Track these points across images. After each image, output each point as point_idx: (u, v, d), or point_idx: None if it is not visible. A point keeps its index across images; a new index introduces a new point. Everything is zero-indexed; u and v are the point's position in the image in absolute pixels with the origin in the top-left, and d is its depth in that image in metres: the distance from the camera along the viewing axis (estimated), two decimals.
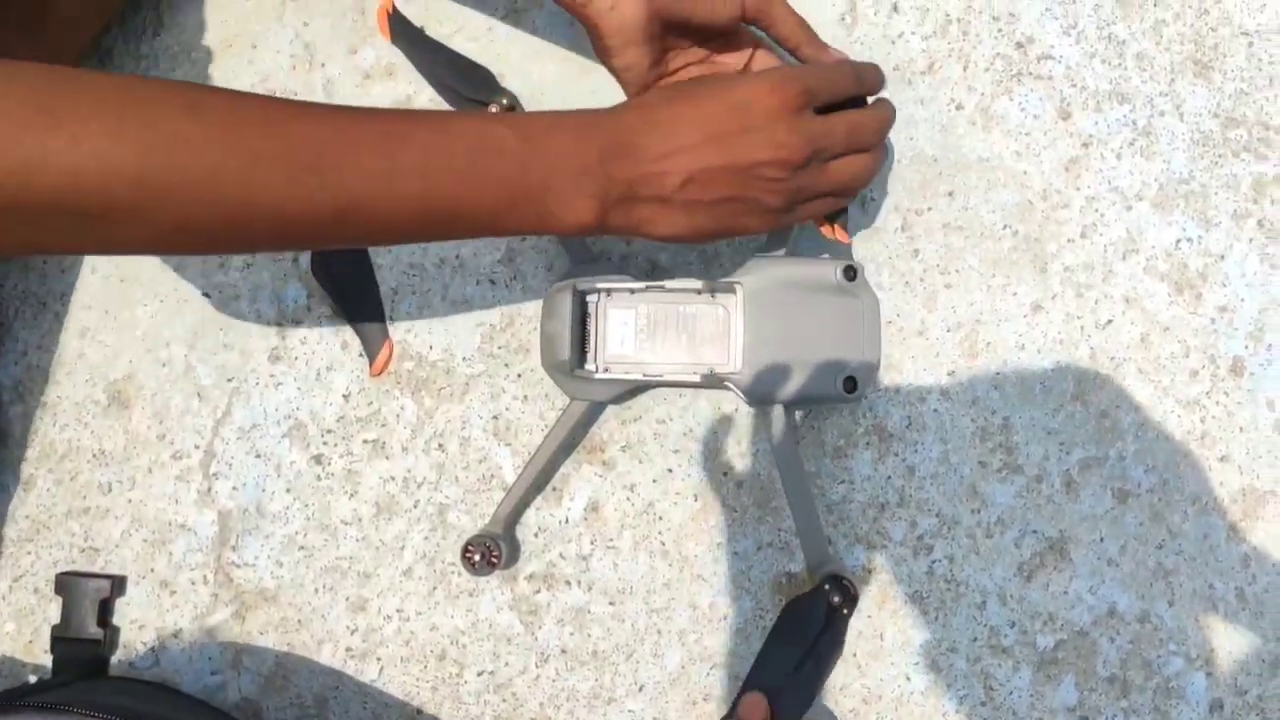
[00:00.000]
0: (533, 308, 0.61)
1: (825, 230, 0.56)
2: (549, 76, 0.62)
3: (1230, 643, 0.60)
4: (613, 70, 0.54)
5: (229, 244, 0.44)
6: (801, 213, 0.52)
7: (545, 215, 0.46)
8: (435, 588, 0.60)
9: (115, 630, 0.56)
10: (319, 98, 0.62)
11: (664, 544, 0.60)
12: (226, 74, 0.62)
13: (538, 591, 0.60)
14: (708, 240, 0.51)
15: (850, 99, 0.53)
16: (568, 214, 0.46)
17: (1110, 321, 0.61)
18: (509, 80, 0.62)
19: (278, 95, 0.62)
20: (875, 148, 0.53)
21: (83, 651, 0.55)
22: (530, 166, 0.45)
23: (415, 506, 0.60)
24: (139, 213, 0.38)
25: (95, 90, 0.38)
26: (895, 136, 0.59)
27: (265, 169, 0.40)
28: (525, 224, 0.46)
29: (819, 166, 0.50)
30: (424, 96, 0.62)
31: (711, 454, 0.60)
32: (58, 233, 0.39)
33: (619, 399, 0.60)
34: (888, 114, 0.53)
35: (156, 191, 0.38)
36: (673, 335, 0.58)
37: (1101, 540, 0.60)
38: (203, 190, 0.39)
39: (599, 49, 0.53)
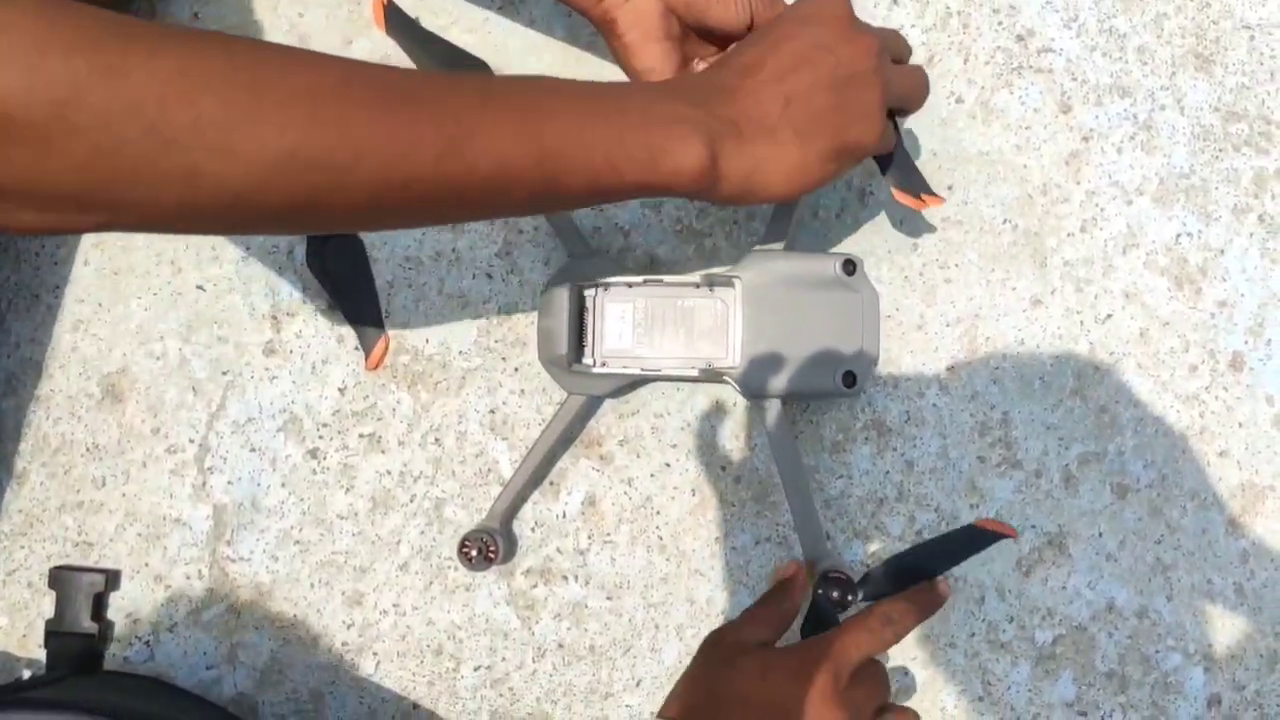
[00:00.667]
0: (530, 301, 0.60)
1: (913, 202, 0.54)
2: (546, 69, 0.62)
3: (1228, 638, 0.60)
4: (634, 75, 0.52)
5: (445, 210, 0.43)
6: (888, 120, 0.50)
7: (661, 156, 0.43)
8: (431, 582, 0.59)
9: (109, 625, 0.56)
10: None
11: (661, 538, 0.60)
12: None
13: (534, 586, 0.60)
14: (831, 175, 0.48)
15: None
16: (680, 157, 0.43)
17: (1110, 316, 0.61)
18: (506, 72, 0.61)
19: None
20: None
21: (77, 646, 0.55)
22: (641, 118, 0.43)
23: (411, 501, 0.60)
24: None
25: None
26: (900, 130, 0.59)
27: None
28: (640, 180, 0.43)
29: (891, 66, 0.49)
30: None
31: (709, 448, 0.60)
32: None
33: (616, 393, 0.60)
34: (922, 72, 0.53)
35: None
36: (670, 329, 0.58)
37: (1100, 535, 0.60)
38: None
39: (617, 51, 0.52)
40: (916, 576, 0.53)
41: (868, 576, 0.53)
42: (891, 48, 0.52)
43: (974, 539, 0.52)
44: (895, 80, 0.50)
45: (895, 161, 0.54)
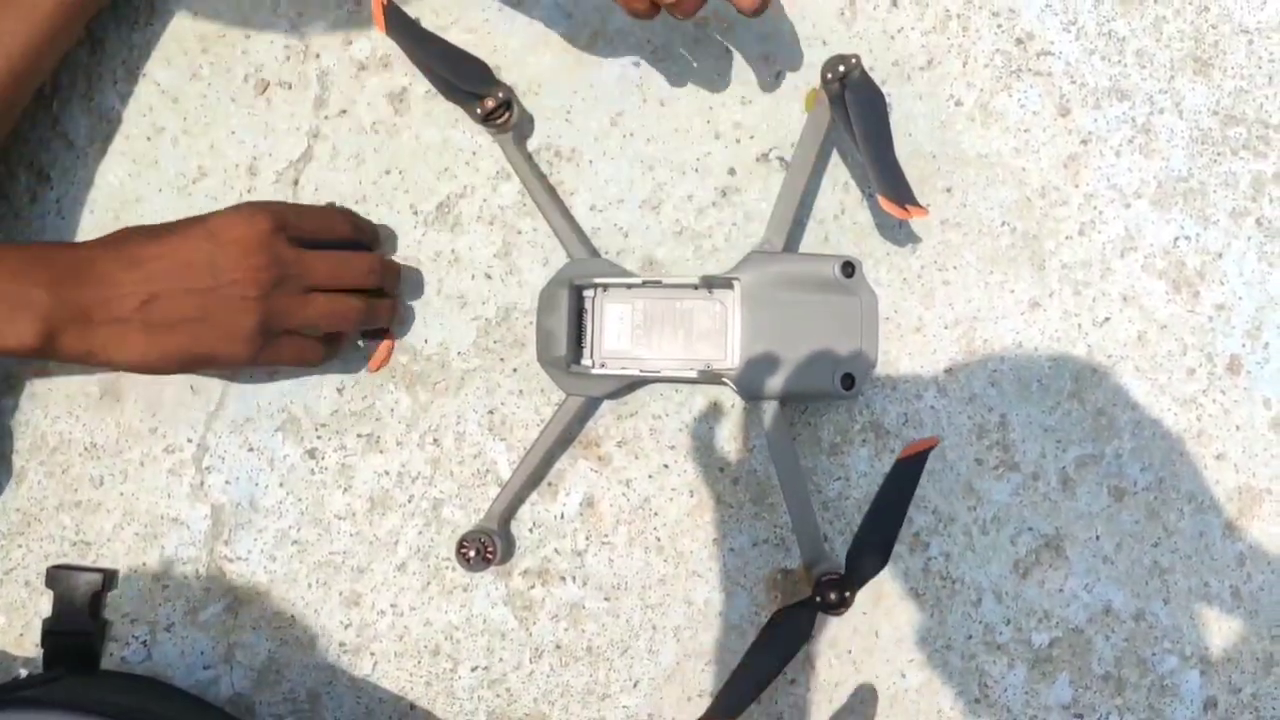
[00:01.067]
0: (529, 302, 0.60)
1: (898, 211, 0.53)
2: (546, 68, 0.62)
3: (1225, 640, 0.60)
4: None
5: None
6: (285, 346, 0.53)
7: None
8: (429, 583, 0.59)
9: (107, 624, 0.56)
10: (313, 89, 0.61)
11: (659, 540, 0.60)
12: (219, 65, 0.61)
13: (532, 587, 0.60)
14: (179, 371, 0.51)
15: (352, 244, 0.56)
16: (8, 341, 0.47)
17: (1108, 319, 0.61)
18: (506, 72, 0.61)
19: (272, 87, 0.61)
20: (387, 292, 0.55)
21: (74, 645, 0.54)
22: None
23: (409, 501, 0.60)
24: None
25: None
26: (895, 132, 0.59)
27: None
28: None
29: (299, 296, 0.51)
30: (420, 88, 0.61)
31: (707, 450, 0.60)
32: None
33: (615, 394, 0.60)
34: (376, 260, 0.55)
35: None
36: (669, 331, 0.58)
37: (1097, 538, 0.60)
38: None
39: None
40: (889, 536, 0.52)
41: (850, 564, 0.52)
42: (364, 230, 0.56)
43: (908, 472, 0.51)
44: (304, 311, 0.52)
45: (883, 170, 0.54)
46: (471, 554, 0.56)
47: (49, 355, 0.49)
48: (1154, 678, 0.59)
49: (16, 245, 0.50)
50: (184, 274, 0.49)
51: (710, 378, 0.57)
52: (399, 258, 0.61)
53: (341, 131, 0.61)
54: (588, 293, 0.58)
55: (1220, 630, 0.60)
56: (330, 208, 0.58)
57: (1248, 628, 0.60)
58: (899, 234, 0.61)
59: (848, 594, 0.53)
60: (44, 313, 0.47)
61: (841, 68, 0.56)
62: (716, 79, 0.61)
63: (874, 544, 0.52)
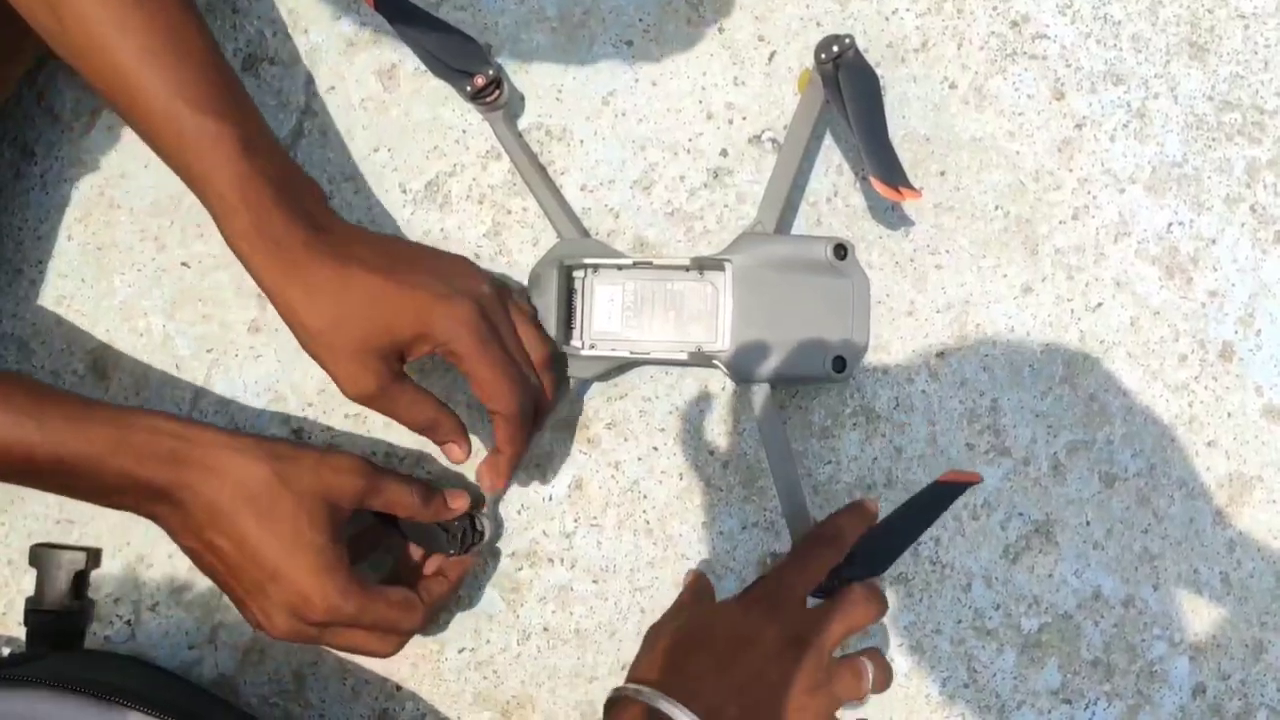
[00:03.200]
0: (519, 283, 0.60)
1: (890, 194, 0.53)
2: (537, 46, 0.61)
3: (1214, 627, 0.60)
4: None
5: None
6: (324, 637, 0.51)
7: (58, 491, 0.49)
8: None
9: (90, 603, 0.56)
10: (302, 66, 0.60)
11: (648, 522, 0.59)
12: None
13: (520, 569, 0.59)
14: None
15: None
16: (86, 499, 0.49)
17: (1100, 304, 0.60)
18: (497, 50, 0.61)
19: (261, 63, 0.60)
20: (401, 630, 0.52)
21: (57, 624, 0.54)
22: (54, 473, 0.48)
23: None
24: None
25: None
26: (888, 115, 0.59)
27: None
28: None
29: (331, 629, 0.50)
30: (410, 65, 0.61)
31: (697, 432, 0.60)
32: None
33: (604, 376, 0.59)
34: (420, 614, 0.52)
35: None
36: (660, 312, 0.58)
37: (1088, 524, 0.60)
38: None
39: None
40: (898, 546, 0.53)
41: (852, 557, 0.53)
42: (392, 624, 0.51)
43: (942, 495, 0.51)
44: (341, 637, 0.51)
45: (876, 152, 0.54)
46: (459, 535, 0.55)
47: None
48: (1143, 663, 0.59)
49: (117, 425, 0.48)
50: (231, 567, 0.49)
51: (701, 360, 0.56)
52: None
53: (330, 108, 0.60)
54: (578, 273, 0.58)
55: (1209, 616, 0.60)
56: (406, 597, 0.53)
57: (1237, 614, 0.60)
58: (892, 217, 0.60)
59: (836, 582, 0.53)
60: (120, 506, 0.49)
61: (835, 48, 0.56)
62: (709, 59, 0.61)
63: (882, 550, 0.52)
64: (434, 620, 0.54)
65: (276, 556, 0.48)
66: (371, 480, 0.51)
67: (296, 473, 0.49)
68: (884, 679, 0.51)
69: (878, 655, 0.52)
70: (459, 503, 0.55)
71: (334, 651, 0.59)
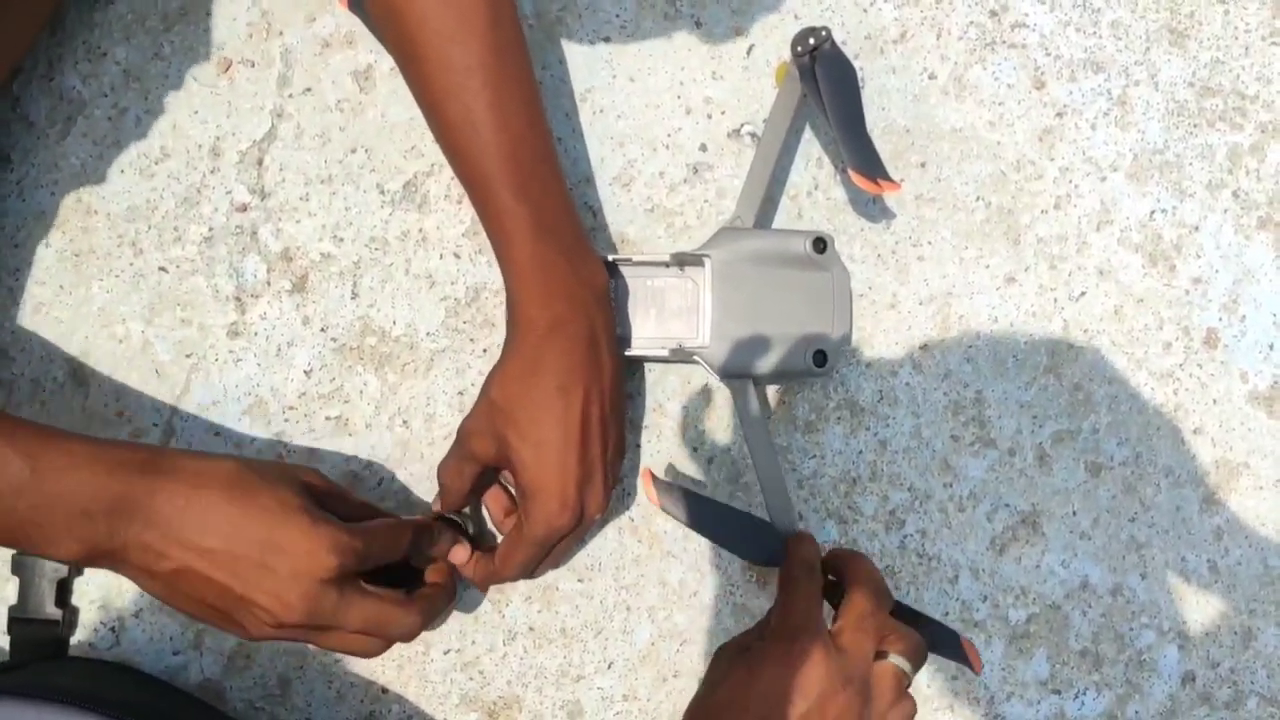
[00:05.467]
0: (498, 282, 0.59)
1: (869, 186, 0.52)
2: None
3: (1203, 615, 0.59)
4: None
5: None
6: (317, 639, 0.50)
7: (29, 542, 0.46)
8: None
9: (74, 611, 0.55)
10: (277, 67, 0.60)
11: (633, 520, 0.59)
12: (181, 44, 0.60)
13: None
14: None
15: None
16: (50, 548, 0.46)
17: (1084, 293, 0.60)
18: None
19: (235, 65, 0.60)
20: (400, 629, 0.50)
21: (41, 632, 0.54)
22: (28, 500, 0.45)
23: (380, 484, 0.59)
24: None
25: None
26: (868, 107, 0.58)
27: None
28: (13, 544, 0.46)
29: (326, 631, 0.49)
30: (385, 65, 0.60)
31: (681, 429, 0.59)
32: None
33: None
34: (417, 621, 0.50)
35: None
36: (641, 309, 0.57)
37: (1074, 514, 0.59)
38: None
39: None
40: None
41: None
42: (380, 629, 0.49)
43: (947, 643, 0.51)
44: (333, 639, 0.49)
45: (854, 144, 0.54)
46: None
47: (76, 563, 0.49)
48: (1131, 653, 0.59)
49: (95, 447, 0.47)
50: (225, 569, 0.47)
51: (683, 356, 0.56)
52: (365, 238, 0.60)
53: (306, 110, 0.60)
54: None
55: (1198, 605, 0.59)
56: (398, 526, 0.52)
57: (1225, 602, 0.59)
58: (873, 209, 0.60)
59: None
60: (92, 539, 0.46)
61: (812, 41, 0.55)
62: (687, 54, 0.61)
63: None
64: (432, 616, 0.52)
65: (269, 527, 0.47)
66: (326, 481, 0.52)
67: (260, 462, 0.50)
68: (918, 658, 0.49)
69: (900, 640, 0.49)
70: (459, 556, 0.54)
71: (319, 655, 0.58)
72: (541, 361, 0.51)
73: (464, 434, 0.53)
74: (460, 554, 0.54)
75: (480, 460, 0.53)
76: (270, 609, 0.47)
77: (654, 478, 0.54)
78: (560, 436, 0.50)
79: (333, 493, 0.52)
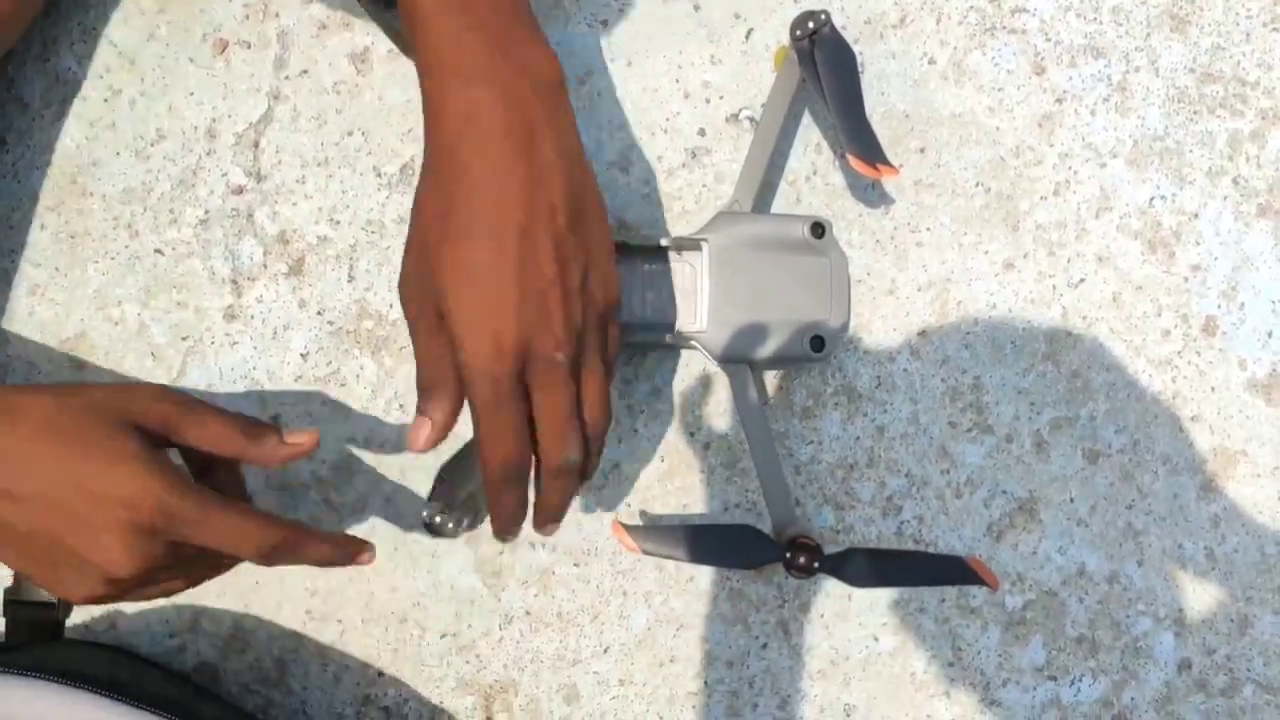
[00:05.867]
0: None
1: (868, 170, 0.52)
2: None
3: (1199, 602, 0.59)
4: None
5: None
6: (143, 592, 0.45)
7: None
8: (396, 549, 0.59)
9: None
10: (273, 50, 0.60)
11: (629, 505, 0.59)
12: (176, 25, 0.60)
13: (501, 553, 0.59)
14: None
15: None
16: None
17: (1083, 280, 0.60)
18: None
19: (231, 46, 0.60)
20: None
21: (36, 615, 0.54)
22: None
23: (376, 468, 0.59)
24: None
25: None
26: (867, 91, 0.58)
27: None
28: None
29: (150, 587, 0.45)
30: (382, 48, 0.60)
31: (678, 414, 0.59)
32: None
33: None
34: (270, 535, 0.44)
35: None
36: (638, 293, 0.57)
37: (1071, 500, 0.59)
38: None
39: None
40: (892, 577, 0.54)
41: (850, 554, 0.53)
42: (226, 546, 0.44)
43: (957, 572, 0.52)
44: (152, 591, 0.45)
45: (853, 129, 0.54)
46: (439, 520, 0.55)
47: None
48: (1128, 640, 0.59)
49: None
50: (37, 514, 0.42)
51: (680, 341, 0.56)
52: (362, 220, 0.59)
53: (302, 92, 0.60)
54: None
55: (1195, 592, 0.59)
56: (237, 518, 0.45)
57: (1222, 589, 0.59)
58: (871, 195, 0.60)
59: (817, 564, 0.52)
60: None
61: (811, 24, 0.55)
62: (685, 37, 0.60)
63: (879, 570, 0.54)
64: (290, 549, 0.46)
65: (93, 474, 0.41)
66: (179, 406, 0.45)
67: (88, 396, 0.43)
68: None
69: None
70: (299, 438, 0.47)
71: (315, 639, 0.58)
72: (456, 164, 0.42)
73: (401, 300, 0.45)
74: (421, 431, 0.46)
75: (428, 321, 0.44)
76: (97, 563, 0.42)
77: (625, 527, 0.53)
78: (487, 257, 0.41)
79: (186, 416, 0.45)
